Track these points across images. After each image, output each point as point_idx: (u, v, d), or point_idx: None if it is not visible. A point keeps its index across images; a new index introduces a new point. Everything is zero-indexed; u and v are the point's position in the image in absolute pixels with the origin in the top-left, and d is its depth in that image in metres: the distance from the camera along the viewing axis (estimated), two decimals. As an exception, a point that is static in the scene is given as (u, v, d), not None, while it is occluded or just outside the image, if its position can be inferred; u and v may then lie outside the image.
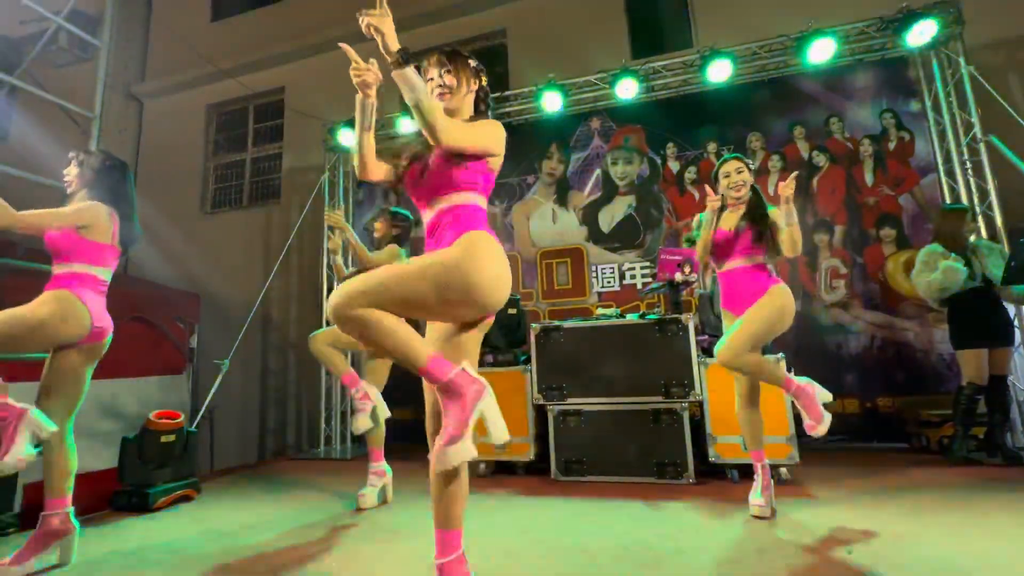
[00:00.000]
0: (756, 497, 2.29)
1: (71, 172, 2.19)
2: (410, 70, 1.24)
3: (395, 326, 1.26)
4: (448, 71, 1.48)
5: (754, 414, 2.36)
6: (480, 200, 1.46)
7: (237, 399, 5.99)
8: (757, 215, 2.31)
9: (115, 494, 2.93)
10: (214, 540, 2.31)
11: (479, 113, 1.55)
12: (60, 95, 3.49)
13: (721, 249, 2.38)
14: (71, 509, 2.03)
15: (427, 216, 1.48)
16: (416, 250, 2.31)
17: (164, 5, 7.88)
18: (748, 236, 2.30)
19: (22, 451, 1.83)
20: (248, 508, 2.87)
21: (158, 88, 7.54)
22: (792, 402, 2.51)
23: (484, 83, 1.57)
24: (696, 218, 2.54)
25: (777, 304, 2.21)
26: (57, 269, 2.05)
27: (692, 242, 2.57)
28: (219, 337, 5.44)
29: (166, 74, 7.47)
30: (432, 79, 1.48)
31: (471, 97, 1.54)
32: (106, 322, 2.09)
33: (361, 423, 2.57)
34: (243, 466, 4.60)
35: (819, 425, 2.13)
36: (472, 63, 1.53)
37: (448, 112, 1.45)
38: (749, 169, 2.38)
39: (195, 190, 7.06)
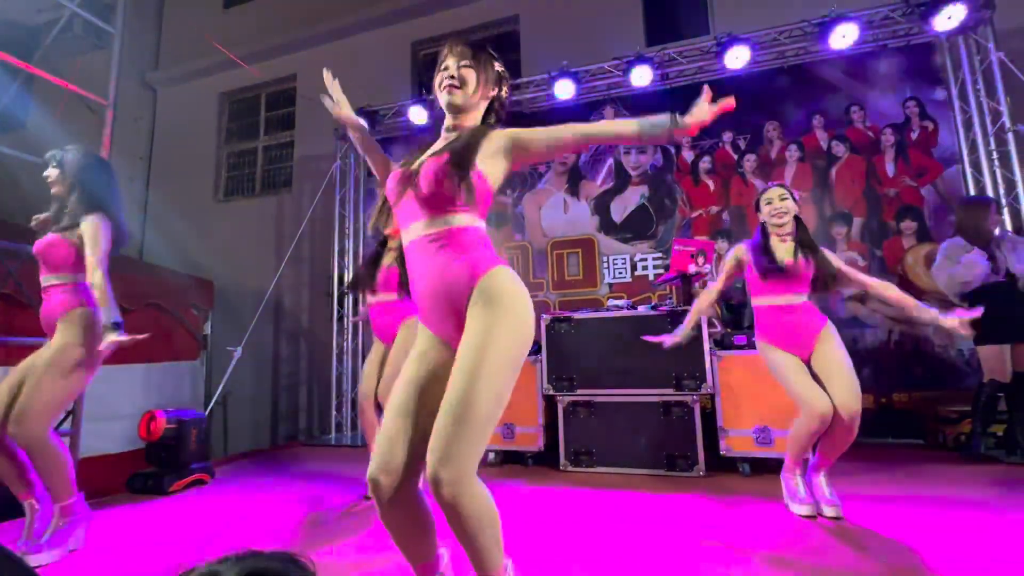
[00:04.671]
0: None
1: (52, 174, 2.12)
2: None
3: (495, 513, 1.10)
4: (467, 65, 1.28)
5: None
6: (482, 224, 1.26)
7: (250, 385, 6.07)
8: (818, 255, 2.20)
9: (132, 477, 2.99)
10: (227, 524, 2.34)
11: (486, 126, 1.32)
12: (75, 83, 3.50)
13: (774, 283, 2.24)
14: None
15: (409, 235, 1.24)
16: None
17: (177, -8, 7.89)
18: (808, 273, 2.19)
19: (64, 551, 1.89)
20: (260, 493, 2.91)
21: (171, 76, 7.57)
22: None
23: (504, 94, 1.37)
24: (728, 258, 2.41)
25: (842, 343, 2.19)
26: (60, 279, 2.04)
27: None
28: (232, 324, 5.51)
29: (179, 62, 7.50)
30: (446, 67, 1.29)
31: (484, 104, 1.34)
32: None
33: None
34: (256, 451, 4.67)
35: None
36: (497, 67, 1.34)
37: (453, 108, 1.29)
38: (793, 199, 2.27)
39: (208, 178, 7.11)
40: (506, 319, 1.12)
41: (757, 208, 2.36)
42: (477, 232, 1.22)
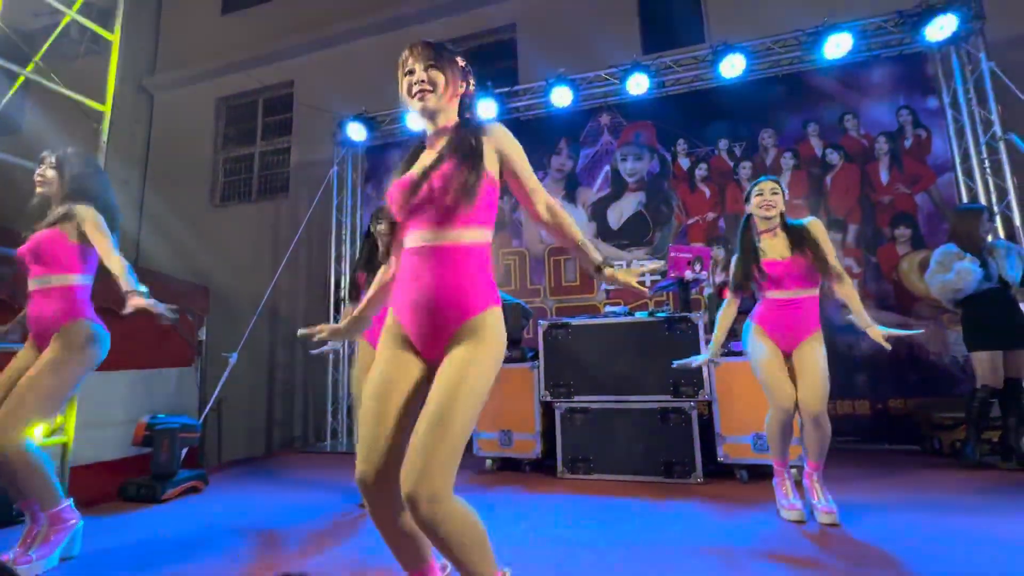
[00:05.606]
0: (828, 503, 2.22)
1: (47, 175, 2.04)
2: None
3: (480, 530, 1.10)
4: (432, 66, 1.25)
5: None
6: (489, 235, 1.26)
7: (245, 392, 6.03)
8: (806, 241, 2.21)
9: (124, 485, 2.96)
10: (221, 533, 2.32)
11: (464, 120, 1.32)
12: (72, 88, 3.50)
13: (776, 279, 2.24)
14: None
15: (410, 241, 1.22)
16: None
17: (175, -2, 7.91)
18: (803, 265, 2.19)
19: (51, 562, 1.85)
20: (255, 500, 2.89)
21: (169, 81, 7.57)
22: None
23: (471, 88, 1.35)
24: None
25: (824, 350, 2.19)
26: (56, 282, 1.98)
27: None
28: (227, 330, 5.47)
29: (177, 67, 7.50)
30: (412, 72, 1.26)
31: (456, 102, 1.31)
32: None
33: None
34: (251, 458, 4.64)
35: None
36: (460, 62, 1.31)
37: (428, 113, 1.27)
38: (783, 195, 2.30)
39: (204, 183, 7.10)
40: (488, 352, 1.16)
41: (747, 199, 2.38)
42: (482, 254, 1.22)
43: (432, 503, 1.01)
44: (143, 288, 1.84)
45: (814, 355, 2.17)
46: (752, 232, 2.36)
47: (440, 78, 1.25)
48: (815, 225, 2.25)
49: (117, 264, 1.92)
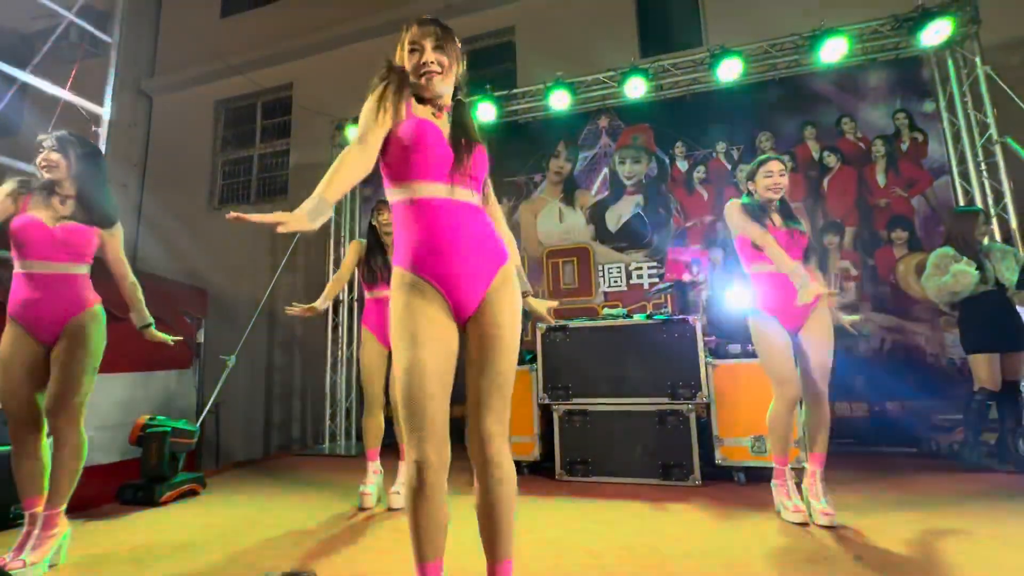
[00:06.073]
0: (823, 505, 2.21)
1: (52, 158, 2.01)
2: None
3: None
4: (440, 47, 1.28)
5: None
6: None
7: (243, 395, 6.02)
8: (800, 224, 2.28)
9: (121, 488, 2.94)
10: (219, 535, 2.31)
11: (458, 103, 1.37)
12: (71, 90, 3.50)
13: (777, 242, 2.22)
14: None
15: (454, 195, 1.26)
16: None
17: (174, 1, 7.92)
18: (804, 242, 2.24)
19: (43, 567, 1.86)
20: (253, 503, 2.88)
21: (167, 84, 7.57)
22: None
23: (464, 68, 1.40)
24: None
25: (831, 324, 2.25)
26: (73, 269, 2.02)
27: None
28: (225, 333, 5.47)
29: (175, 70, 7.51)
30: (418, 50, 1.28)
31: (453, 81, 1.35)
32: None
33: (368, 501, 2.65)
34: (248, 461, 4.62)
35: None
36: (458, 43, 1.35)
37: (434, 96, 1.31)
38: (787, 175, 2.34)
39: (203, 186, 7.10)
40: (517, 302, 1.32)
41: (751, 177, 2.35)
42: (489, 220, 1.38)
43: (504, 438, 1.22)
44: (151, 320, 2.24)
45: (823, 331, 2.21)
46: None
47: (445, 60, 1.30)
48: (805, 224, 2.36)
49: (136, 291, 2.20)
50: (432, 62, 1.27)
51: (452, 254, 1.23)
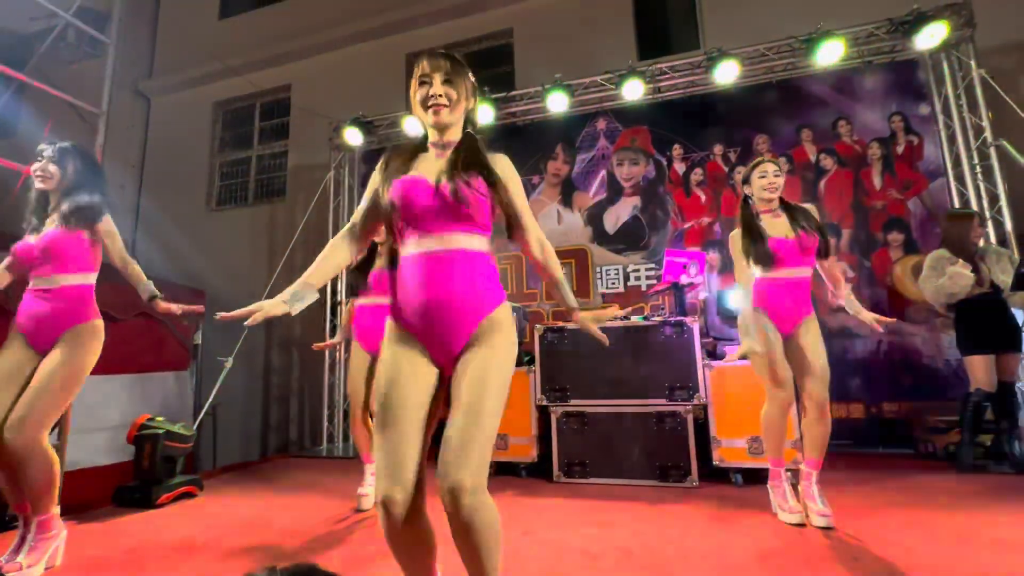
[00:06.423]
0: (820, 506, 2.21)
1: (49, 169, 2.02)
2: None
3: (500, 534, 1.12)
4: (448, 81, 1.28)
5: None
6: (489, 243, 1.30)
7: (240, 396, 6.01)
8: (812, 222, 2.24)
9: (118, 490, 2.94)
10: (216, 538, 2.31)
11: (467, 135, 1.35)
12: (68, 91, 3.50)
13: (781, 256, 2.24)
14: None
15: (418, 247, 1.23)
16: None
17: (172, 2, 7.92)
18: (815, 245, 2.21)
19: (39, 570, 1.84)
20: (250, 505, 2.87)
21: (165, 85, 7.57)
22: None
23: (476, 103, 1.40)
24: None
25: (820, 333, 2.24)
26: (73, 280, 1.99)
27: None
28: (223, 334, 5.45)
29: (173, 71, 7.50)
30: (428, 83, 1.28)
31: (463, 115, 1.35)
32: None
33: (366, 503, 2.66)
34: (246, 463, 4.61)
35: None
36: (471, 78, 1.35)
37: (440, 127, 1.30)
38: (784, 175, 2.32)
39: (201, 187, 7.09)
40: (507, 345, 1.22)
41: (746, 181, 2.38)
42: (488, 259, 1.28)
43: (474, 493, 1.05)
44: (157, 292, 2.09)
45: (815, 342, 2.20)
46: (751, 211, 2.36)
47: (454, 93, 1.29)
48: (813, 209, 2.31)
49: (136, 270, 2.10)
50: (440, 95, 1.27)
51: (417, 313, 1.22)
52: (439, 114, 1.28)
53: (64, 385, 1.91)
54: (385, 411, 1.17)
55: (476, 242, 1.25)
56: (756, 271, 2.31)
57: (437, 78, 1.28)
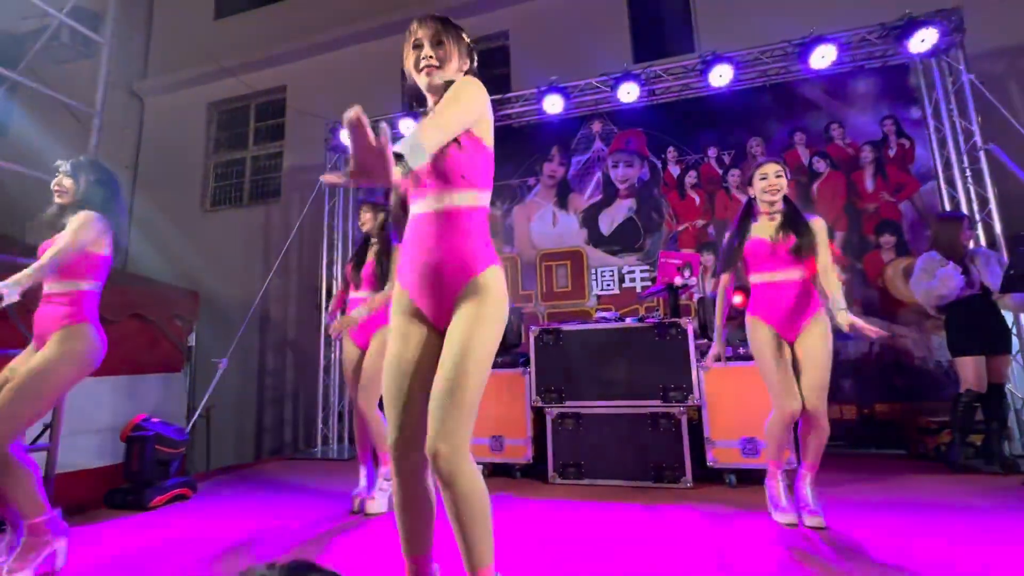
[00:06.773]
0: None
1: (64, 184, 2.09)
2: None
3: (488, 502, 1.14)
4: (441, 43, 1.29)
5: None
6: (486, 199, 1.28)
7: (234, 398, 5.97)
8: (800, 227, 2.21)
9: (110, 492, 2.92)
10: (209, 540, 2.30)
11: (447, 82, 1.33)
12: (61, 91, 3.48)
13: (756, 260, 2.26)
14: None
15: (415, 208, 1.26)
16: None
17: (167, 2, 7.89)
18: (786, 247, 2.19)
19: (35, 572, 1.83)
20: (244, 508, 2.86)
21: (160, 85, 7.53)
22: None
23: (474, 65, 1.40)
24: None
25: (829, 334, 2.18)
26: (63, 287, 1.99)
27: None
28: (217, 336, 5.43)
29: (168, 71, 7.47)
30: (419, 46, 1.29)
31: (459, 77, 1.32)
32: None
33: (376, 507, 2.60)
34: (240, 465, 4.59)
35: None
36: (466, 39, 1.35)
37: (433, 88, 1.30)
38: (787, 177, 2.28)
39: (195, 188, 7.06)
40: (492, 312, 1.21)
41: (749, 183, 2.37)
42: (480, 216, 1.26)
43: (451, 457, 1.08)
44: (11, 281, 1.78)
45: (818, 346, 2.17)
46: (750, 216, 2.36)
47: (445, 55, 1.29)
48: (818, 223, 2.25)
49: (47, 259, 1.87)
50: (430, 56, 1.28)
51: (412, 275, 1.26)
52: (431, 75, 1.29)
53: (37, 385, 1.86)
54: (388, 378, 1.24)
55: (467, 198, 1.23)
56: (752, 275, 2.33)
57: (427, 42, 1.29)
